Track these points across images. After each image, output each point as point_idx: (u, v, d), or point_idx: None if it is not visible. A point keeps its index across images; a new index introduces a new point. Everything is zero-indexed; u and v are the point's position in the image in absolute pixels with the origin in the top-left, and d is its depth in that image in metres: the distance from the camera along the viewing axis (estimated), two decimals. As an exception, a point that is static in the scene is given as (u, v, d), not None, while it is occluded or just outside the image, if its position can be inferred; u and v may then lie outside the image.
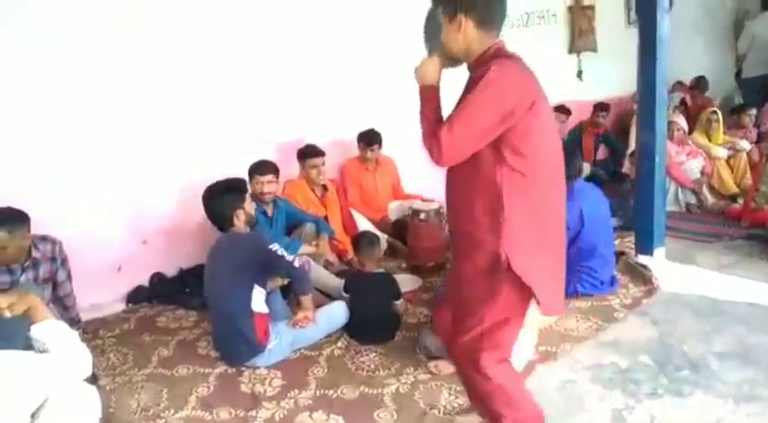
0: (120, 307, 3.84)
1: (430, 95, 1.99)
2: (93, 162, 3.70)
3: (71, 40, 3.54)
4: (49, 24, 3.45)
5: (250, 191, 3.39)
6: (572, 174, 3.58)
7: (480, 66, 1.92)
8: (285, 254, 3.02)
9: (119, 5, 3.67)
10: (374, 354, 3.10)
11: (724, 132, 5.72)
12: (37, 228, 3.07)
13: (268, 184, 3.76)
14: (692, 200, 5.23)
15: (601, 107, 6.17)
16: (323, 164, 4.20)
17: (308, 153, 4.18)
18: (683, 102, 6.77)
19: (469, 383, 2.17)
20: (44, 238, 3.18)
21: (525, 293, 1.94)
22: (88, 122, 3.66)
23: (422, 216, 4.08)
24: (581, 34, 6.56)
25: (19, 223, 2.93)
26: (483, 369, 2.01)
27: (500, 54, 1.95)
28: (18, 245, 2.96)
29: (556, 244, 2.05)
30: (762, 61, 7.16)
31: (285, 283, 3.29)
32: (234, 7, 4.14)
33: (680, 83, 7.27)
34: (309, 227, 3.91)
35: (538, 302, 1.95)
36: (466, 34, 1.94)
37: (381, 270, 3.53)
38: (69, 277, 3.32)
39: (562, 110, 5.79)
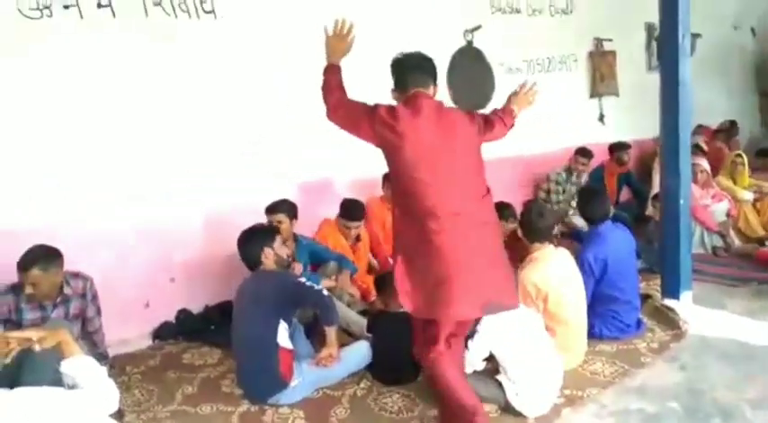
0: (147, 343, 3.88)
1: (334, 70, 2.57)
2: (121, 200, 3.80)
3: (93, 78, 3.68)
4: (63, 66, 3.60)
5: None
6: (599, 216, 3.60)
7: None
8: (313, 284, 3.10)
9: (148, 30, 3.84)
10: (397, 395, 3.08)
11: (750, 175, 5.69)
12: (67, 263, 3.13)
13: (277, 224, 3.75)
14: (719, 243, 5.17)
15: (621, 146, 6.15)
16: (358, 227, 4.24)
17: (351, 216, 4.18)
18: (697, 146, 6.73)
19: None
20: (76, 275, 3.24)
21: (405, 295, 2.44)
22: (119, 158, 3.80)
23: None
24: (602, 79, 6.64)
25: (52, 260, 2.99)
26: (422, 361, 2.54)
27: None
28: (51, 282, 3.02)
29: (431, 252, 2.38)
30: None
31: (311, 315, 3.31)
32: (265, 42, 4.28)
33: (701, 126, 7.27)
34: (332, 264, 3.96)
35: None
36: None
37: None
38: (99, 313, 3.37)
39: (584, 153, 5.82)
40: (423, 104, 2.44)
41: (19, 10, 3.42)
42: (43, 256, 2.99)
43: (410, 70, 2.53)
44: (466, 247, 2.37)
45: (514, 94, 2.89)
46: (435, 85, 2.58)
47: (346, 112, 2.50)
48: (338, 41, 2.55)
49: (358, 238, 4.34)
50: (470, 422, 2.46)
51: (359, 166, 4.79)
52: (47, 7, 3.49)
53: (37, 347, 2.03)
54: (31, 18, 3.46)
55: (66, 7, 3.56)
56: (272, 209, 3.86)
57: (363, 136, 2.48)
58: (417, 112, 2.42)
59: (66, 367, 1.97)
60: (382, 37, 4.79)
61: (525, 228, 3.27)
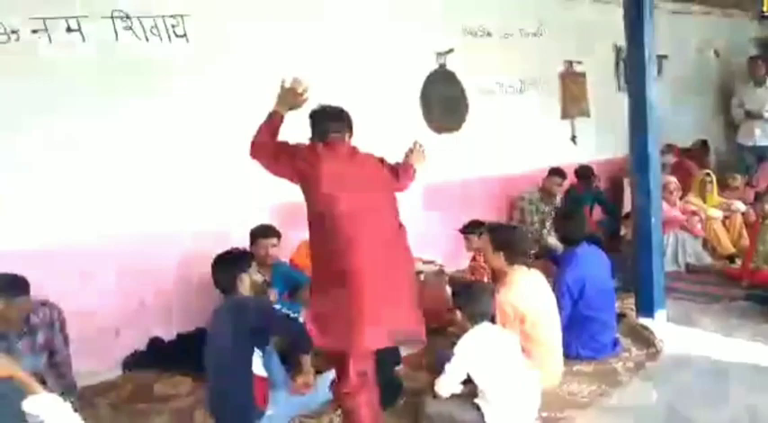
0: (117, 372, 3.77)
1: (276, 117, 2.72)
2: (91, 226, 3.72)
3: (63, 106, 3.63)
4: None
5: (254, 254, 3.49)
6: (577, 237, 3.63)
7: None
8: (288, 312, 3.10)
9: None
10: (375, 421, 3.03)
11: (719, 194, 5.81)
12: (35, 290, 3.05)
13: (272, 248, 3.82)
14: (691, 259, 5.24)
15: (584, 171, 6.23)
16: None
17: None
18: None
19: None
20: (44, 304, 3.16)
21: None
22: (87, 186, 3.72)
23: (421, 277, 4.08)
24: (573, 100, 6.75)
25: (19, 290, 2.92)
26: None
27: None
28: (17, 312, 2.94)
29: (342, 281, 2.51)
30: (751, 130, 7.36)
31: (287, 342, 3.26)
32: (238, 67, 4.26)
33: (669, 145, 7.42)
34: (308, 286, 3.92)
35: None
36: None
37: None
38: (66, 343, 3.28)
39: (558, 173, 5.89)
40: (339, 147, 2.67)
41: (-15, 34, 3.37)
42: (9, 285, 2.91)
43: (329, 120, 2.70)
44: (375, 278, 2.51)
45: (410, 151, 3.06)
46: (351, 134, 2.76)
47: (268, 150, 2.68)
48: (291, 96, 2.69)
49: None
50: None
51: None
52: (14, 32, 3.45)
53: None
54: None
55: (34, 31, 3.51)
56: (265, 233, 3.85)
57: (282, 171, 2.68)
58: (335, 152, 2.63)
59: (28, 406, 1.91)
60: (355, 61, 4.85)
61: (505, 249, 3.27)
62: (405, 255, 2.75)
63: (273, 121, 2.70)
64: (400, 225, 2.73)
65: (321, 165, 2.57)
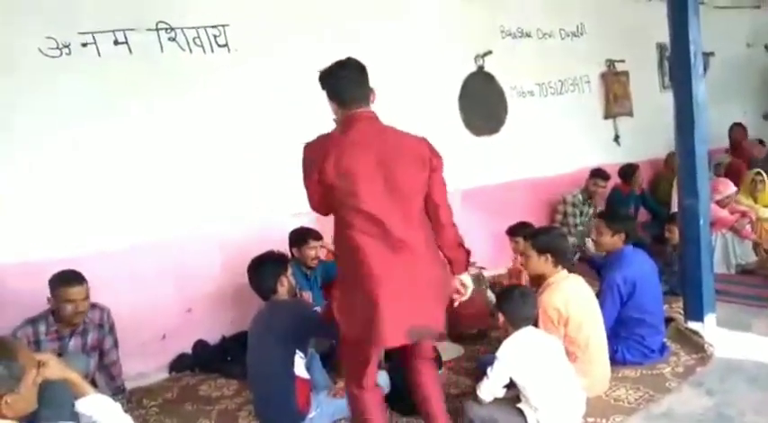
0: (164, 375, 3.88)
1: None
2: (138, 232, 3.84)
3: (112, 114, 3.78)
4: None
5: (298, 256, 3.78)
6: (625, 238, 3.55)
7: None
8: None
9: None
10: (416, 425, 3.03)
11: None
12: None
13: (320, 249, 3.97)
14: (742, 261, 5.06)
15: (627, 170, 6.11)
16: None
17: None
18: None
19: None
20: (93, 306, 3.27)
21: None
22: (135, 192, 3.85)
23: (461, 282, 4.05)
24: (616, 99, 6.62)
25: (84, 281, 3.10)
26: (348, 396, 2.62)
27: (342, 124, 2.42)
28: (85, 301, 3.11)
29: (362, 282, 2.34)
30: None
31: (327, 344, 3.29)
32: (278, 74, 4.34)
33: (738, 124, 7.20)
34: None
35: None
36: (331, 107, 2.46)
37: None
38: (116, 345, 3.38)
39: (600, 174, 5.77)
40: (364, 126, 2.37)
41: (39, 49, 3.51)
42: (77, 275, 3.09)
43: (349, 83, 2.40)
44: (396, 273, 2.32)
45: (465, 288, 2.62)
46: (372, 91, 2.47)
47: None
48: None
49: None
50: None
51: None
52: (66, 46, 3.59)
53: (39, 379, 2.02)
54: (52, 57, 3.55)
55: (84, 45, 3.65)
56: (315, 236, 3.98)
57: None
58: (356, 141, 2.32)
59: (81, 407, 1.97)
60: (394, 65, 4.86)
61: (552, 252, 3.21)
62: (431, 250, 2.46)
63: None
64: (427, 220, 2.47)
65: (339, 166, 2.28)
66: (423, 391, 2.67)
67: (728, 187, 5.20)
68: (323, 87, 2.45)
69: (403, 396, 3.17)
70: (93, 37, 3.68)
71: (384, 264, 2.32)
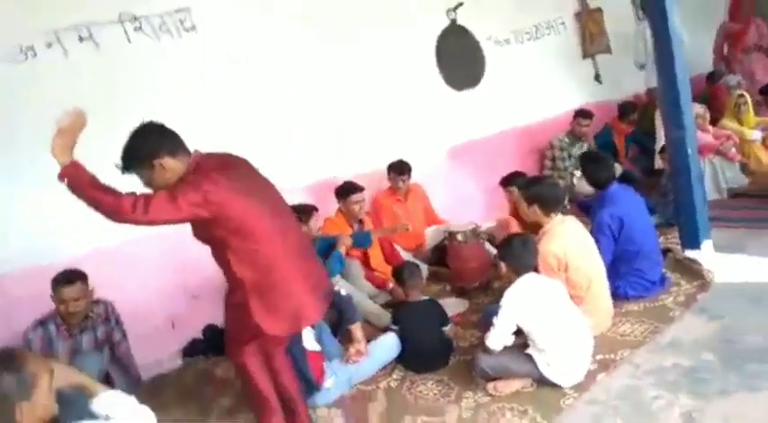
0: (178, 362, 3.92)
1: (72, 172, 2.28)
2: (135, 227, 3.81)
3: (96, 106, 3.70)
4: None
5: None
6: (606, 180, 3.58)
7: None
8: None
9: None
10: (431, 382, 3.10)
11: (755, 114, 5.62)
12: (89, 290, 3.20)
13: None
14: (733, 184, 5.10)
15: (628, 107, 6.11)
16: (364, 199, 4.28)
17: (351, 190, 4.24)
18: None
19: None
20: (96, 302, 3.31)
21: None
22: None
23: (459, 237, 4.09)
24: (593, 38, 6.55)
25: (83, 279, 3.13)
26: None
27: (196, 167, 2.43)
28: (86, 299, 3.14)
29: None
30: None
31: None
32: (248, 49, 4.28)
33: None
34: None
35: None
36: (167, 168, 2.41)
37: (426, 297, 3.54)
38: (125, 337, 3.43)
39: (584, 114, 5.76)
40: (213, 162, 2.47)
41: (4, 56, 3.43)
42: (78, 274, 3.13)
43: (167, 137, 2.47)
44: (293, 255, 2.48)
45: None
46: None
47: (149, 203, 2.32)
48: (68, 137, 2.29)
49: (362, 223, 4.35)
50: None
51: (360, 161, 4.81)
52: (29, 48, 3.50)
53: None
54: (18, 62, 3.47)
55: (49, 45, 3.56)
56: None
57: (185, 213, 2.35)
58: (216, 168, 2.41)
59: (96, 407, 1.99)
60: (365, 30, 4.79)
61: (537, 201, 3.24)
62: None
63: (82, 178, 2.29)
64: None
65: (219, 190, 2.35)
66: (278, 377, 2.72)
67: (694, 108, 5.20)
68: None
69: (414, 355, 3.24)
70: (56, 35, 3.59)
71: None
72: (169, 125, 2.56)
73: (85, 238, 3.62)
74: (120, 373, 3.44)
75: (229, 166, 2.48)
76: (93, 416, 2.03)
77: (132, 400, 2.08)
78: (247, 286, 2.41)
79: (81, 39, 3.67)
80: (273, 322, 2.44)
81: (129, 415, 2.00)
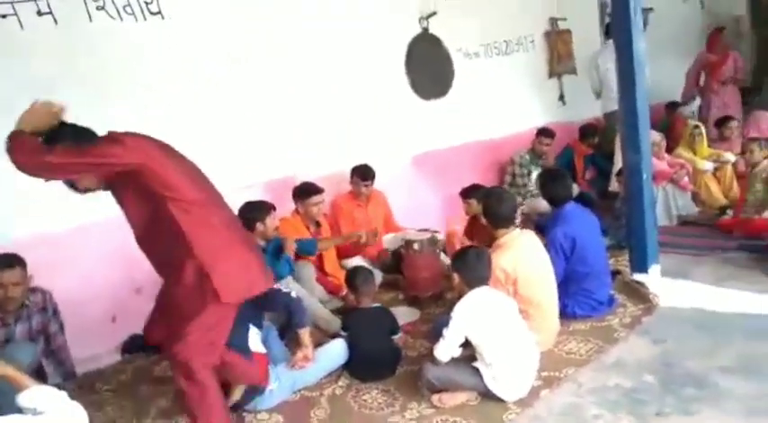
0: (116, 358, 3.77)
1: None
2: (81, 214, 3.66)
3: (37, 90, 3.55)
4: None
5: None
6: (562, 198, 3.62)
7: None
8: (282, 288, 3.09)
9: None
10: (376, 390, 3.06)
11: (708, 145, 5.80)
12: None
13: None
14: (683, 211, 5.25)
15: (589, 129, 6.24)
16: (323, 201, 4.22)
17: (311, 191, 4.17)
18: None
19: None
20: (33, 290, 3.17)
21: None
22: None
23: (416, 246, 4.08)
24: (560, 58, 6.67)
25: (21, 263, 3.01)
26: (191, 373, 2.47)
27: None
28: (23, 284, 3.02)
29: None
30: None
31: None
32: (214, 42, 4.18)
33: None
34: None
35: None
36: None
37: (378, 305, 3.51)
38: (62, 329, 3.30)
39: (546, 133, 5.85)
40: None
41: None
42: (16, 259, 3.00)
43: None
44: (237, 224, 2.65)
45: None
46: None
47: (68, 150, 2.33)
48: (42, 117, 2.37)
49: (318, 225, 4.30)
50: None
51: (322, 162, 4.76)
52: (-18, 18, 3.34)
53: None
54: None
55: (3, 16, 3.40)
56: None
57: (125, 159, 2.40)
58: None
59: (22, 401, 1.89)
60: (336, 30, 4.75)
61: (488, 215, 3.27)
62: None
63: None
64: None
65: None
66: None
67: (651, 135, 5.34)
68: None
69: (361, 363, 3.20)
70: (13, 7, 3.43)
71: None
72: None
73: (27, 224, 3.47)
74: (53, 365, 3.30)
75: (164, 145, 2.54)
76: (20, 410, 1.93)
77: (63, 395, 1.99)
78: (203, 251, 2.39)
79: (39, 13, 3.52)
80: (231, 289, 2.43)
81: (59, 411, 1.91)
